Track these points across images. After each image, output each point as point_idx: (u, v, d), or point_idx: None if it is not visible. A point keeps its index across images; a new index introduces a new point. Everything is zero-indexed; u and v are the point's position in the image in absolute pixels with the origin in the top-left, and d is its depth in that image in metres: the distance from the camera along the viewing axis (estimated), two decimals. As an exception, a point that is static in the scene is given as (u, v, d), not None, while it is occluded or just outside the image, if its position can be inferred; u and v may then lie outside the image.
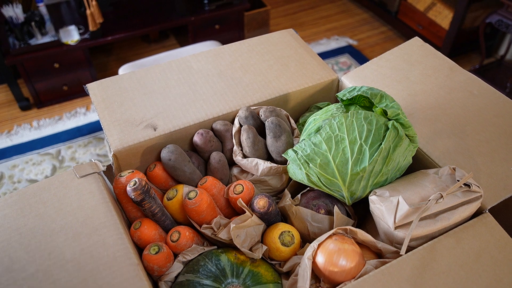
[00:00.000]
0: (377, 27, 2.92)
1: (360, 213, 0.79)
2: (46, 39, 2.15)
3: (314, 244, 0.63)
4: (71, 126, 2.21)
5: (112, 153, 0.75)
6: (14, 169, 2.00)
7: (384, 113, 0.69)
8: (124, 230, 0.64)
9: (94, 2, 2.03)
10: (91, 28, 2.11)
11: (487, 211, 0.65)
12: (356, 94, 0.70)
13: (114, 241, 0.61)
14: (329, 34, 2.86)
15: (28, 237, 0.59)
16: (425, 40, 2.56)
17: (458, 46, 2.45)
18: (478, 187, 0.64)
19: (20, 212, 0.61)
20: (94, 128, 2.21)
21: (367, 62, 0.91)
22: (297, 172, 0.72)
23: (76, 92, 2.34)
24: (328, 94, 0.92)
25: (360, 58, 2.63)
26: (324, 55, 2.66)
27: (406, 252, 0.60)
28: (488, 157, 0.70)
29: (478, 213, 0.65)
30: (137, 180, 0.67)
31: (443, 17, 2.41)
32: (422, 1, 2.53)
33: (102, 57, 2.64)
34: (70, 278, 0.55)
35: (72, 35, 2.17)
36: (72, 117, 2.26)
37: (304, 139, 0.69)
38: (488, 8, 2.32)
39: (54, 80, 2.25)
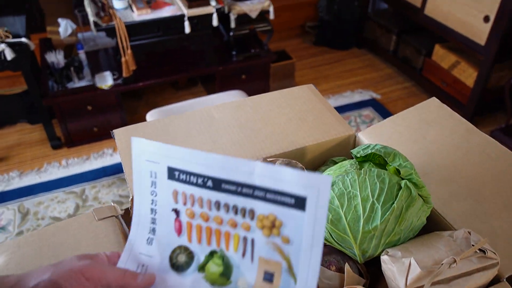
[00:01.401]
0: (401, 82, 2.96)
1: (374, 273, 0.77)
2: (82, 83, 2.29)
3: (323, 302, 0.62)
4: (97, 166, 2.29)
5: (131, 197, 0.77)
6: (39, 205, 2.06)
7: (397, 172, 0.69)
8: (135, 275, 0.65)
9: (129, 51, 2.17)
10: (124, 74, 2.24)
11: (504, 280, 0.63)
12: (370, 151, 0.71)
13: (124, 286, 0.62)
14: (353, 87, 2.91)
15: (42, 277, 0.61)
16: (450, 97, 2.57)
17: (483, 104, 2.44)
18: (494, 253, 0.62)
19: (38, 251, 0.64)
20: (119, 169, 2.28)
21: (384, 120, 0.92)
22: (309, 227, 0.72)
23: (105, 134, 2.44)
24: (345, 149, 0.94)
25: (383, 111, 2.66)
26: (348, 108, 2.70)
27: (417, 318, 0.58)
28: (506, 223, 0.69)
29: (495, 281, 0.63)
30: (152, 225, 0.69)
31: (468, 76, 2.43)
32: (447, 60, 2.57)
33: (132, 101, 2.77)
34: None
35: (106, 80, 2.30)
36: (99, 158, 2.34)
37: (317, 194, 0.70)
38: (513, 68, 2.33)
39: (86, 121, 2.36)
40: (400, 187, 0.66)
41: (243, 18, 2.42)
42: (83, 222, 0.70)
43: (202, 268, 0.52)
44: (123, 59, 2.19)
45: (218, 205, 0.51)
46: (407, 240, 0.70)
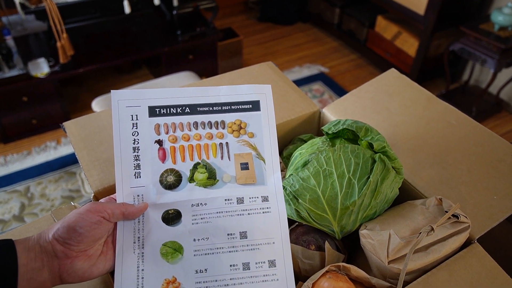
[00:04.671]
0: (347, 55, 3.02)
1: (349, 246, 0.78)
2: (14, 72, 2.09)
3: (308, 283, 0.61)
4: (41, 161, 2.13)
5: (92, 194, 0.71)
6: (-22, 208, 1.89)
7: (370, 146, 0.69)
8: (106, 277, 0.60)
9: (64, 35, 2.00)
10: (61, 60, 2.07)
11: (475, 241, 0.65)
12: (341, 127, 0.71)
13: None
14: (301, 62, 2.92)
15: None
16: (394, 66, 2.65)
17: (425, 72, 2.55)
18: (466, 217, 0.64)
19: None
20: (65, 162, 2.13)
21: (347, 94, 0.92)
22: (286, 208, 0.70)
23: (45, 126, 2.27)
24: (310, 126, 0.93)
25: (332, 85, 2.70)
26: (298, 83, 2.71)
27: (401, 288, 0.59)
28: (471, 187, 0.72)
29: (467, 243, 0.66)
30: (120, 223, 0.64)
31: (410, 45, 2.52)
32: (389, 30, 2.64)
33: (73, 88, 2.59)
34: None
35: (41, 68, 2.12)
36: (42, 152, 2.18)
37: (292, 174, 0.68)
38: (450, 36, 2.44)
39: (22, 113, 2.17)
40: (374, 161, 0.66)
41: (185, -5, 2.32)
42: (42, 226, 0.63)
43: (191, 179, 0.64)
44: (58, 44, 2.02)
45: (196, 125, 0.66)
46: (382, 212, 0.70)
